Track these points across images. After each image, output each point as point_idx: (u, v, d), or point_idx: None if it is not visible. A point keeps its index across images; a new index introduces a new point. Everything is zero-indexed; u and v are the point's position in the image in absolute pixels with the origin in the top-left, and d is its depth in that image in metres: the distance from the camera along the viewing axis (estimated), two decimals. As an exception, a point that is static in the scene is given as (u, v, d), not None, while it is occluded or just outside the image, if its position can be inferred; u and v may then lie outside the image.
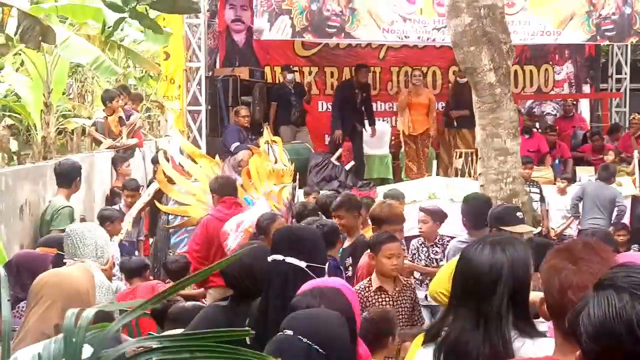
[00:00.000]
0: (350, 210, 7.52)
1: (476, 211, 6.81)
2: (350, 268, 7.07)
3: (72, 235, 5.05)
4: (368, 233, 7.78)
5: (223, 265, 2.23)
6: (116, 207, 10.17)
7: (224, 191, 8.03)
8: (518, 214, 6.18)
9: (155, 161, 11.63)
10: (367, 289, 5.93)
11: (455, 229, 12.42)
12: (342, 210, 7.46)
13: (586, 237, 6.77)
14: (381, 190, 12.64)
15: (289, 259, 3.89)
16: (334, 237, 6.67)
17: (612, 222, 12.34)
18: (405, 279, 6.25)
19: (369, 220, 7.61)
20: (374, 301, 5.80)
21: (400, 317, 5.84)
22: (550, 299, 2.54)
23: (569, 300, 2.38)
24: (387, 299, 5.88)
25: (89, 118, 13.71)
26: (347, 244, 7.28)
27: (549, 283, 2.54)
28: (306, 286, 3.54)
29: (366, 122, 15.16)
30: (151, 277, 8.23)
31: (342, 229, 7.29)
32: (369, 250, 6.22)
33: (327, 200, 8.69)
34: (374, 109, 16.89)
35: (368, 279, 6.06)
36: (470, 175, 13.34)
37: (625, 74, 17.73)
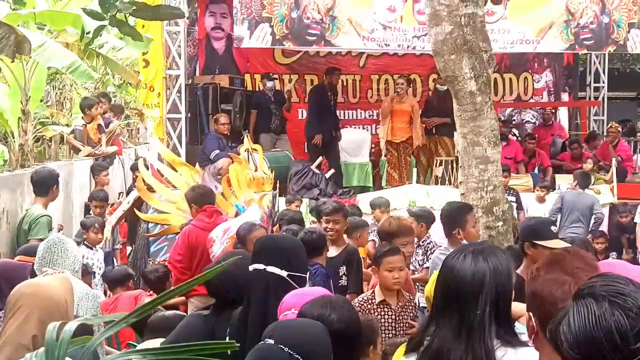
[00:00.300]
0: (344, 217, 7.59)
1: (449, 217, 6.86)
2: (344, 277, 7.09)
3: (58, 244, 4.98)
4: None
5: (208, 277, 2.21)
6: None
7: (203, 201, 7.96)
8: (552, 227, 6.08)
9: (134, 169, 11.58)
10: (369, 301, 5.86)
11: (434, 237, 12.52)
12: (339, 215, 7.49)
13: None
14: (362, 198, 12.66)
15: (270, 268, 3.87)
16: (321, 244, 6.67)
17: (590, 229, 12.42)
18: (407, 293, 6.19)
19: (378, 236, 7.68)
20: (376, 314, 5.72)
21: (402, 332, 5.80)
22: (554, 310, 2.52)
23: None
24: (390, 313, 5.81)
25: (68, 125, 13.66)
26: (334, 252, 7.26)
27: (551, 296, 2.52)
28: (289, 296, 3.52)
29: None
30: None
31: (335, 234, 7.32)
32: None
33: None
34: (354, 117, 16.97)
35: (371, 291, 6.02)
36: (450, 183, 13.36)
37: (603, 82, 17.83)
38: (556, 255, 2.78)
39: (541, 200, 12.95)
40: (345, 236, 7.70)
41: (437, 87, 14.88)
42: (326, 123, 14.75)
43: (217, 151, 13.06)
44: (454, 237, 6.65)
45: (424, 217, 8.55)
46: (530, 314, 2.55)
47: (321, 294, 3.59)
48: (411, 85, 15.29)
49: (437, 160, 14.19)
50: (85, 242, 9.09)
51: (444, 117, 14.18)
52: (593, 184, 13.60)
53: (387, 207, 10.49)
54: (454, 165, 13.17)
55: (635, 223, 12.74)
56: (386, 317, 5.77)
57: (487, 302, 2.84)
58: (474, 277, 2.88)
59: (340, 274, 7.07)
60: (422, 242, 8.25)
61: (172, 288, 2.08)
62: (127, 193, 11.70)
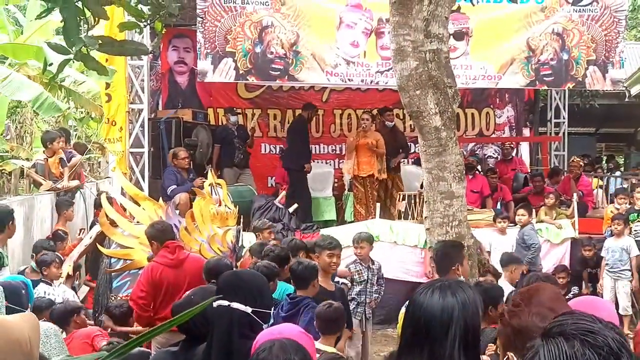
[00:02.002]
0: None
1: (448, 255, 6.81)
2: None
3: None
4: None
5: (186, 318, 2.17)
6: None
7: (164, 237, 7.85)
8: None
9: (98, 205, 11.45)
10: None
11: (398, 272, 12.51)
12: (339, 249, 7.57)
13: (529, 280, 6.80)
14: (325, 232, 12.61)
15: (235, 304, 3.83)
16: (309, 276, 6.72)
17: (553, 264, 12.51)
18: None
19: None
20: None
21: None
22: None
23: None
24: None
25: (28, 159, 13.53)
26: (332, 286, 7.37)
27: (540, 330, 2.49)
28: (265, 335, 3.49)
29: None
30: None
31: (334, 267, 7.54)
32: None
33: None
34: (317, 151, 17.02)
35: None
36: (413, 218, 13.37)
37: (564, 118, 18.02)
38: (532, 290, 2.77)
39: (502, 232, 12.94)
40: None
41: (386, 124, 14.94)
42: (309, 152, 14.87)
43: (174, 186, 12.93)
44: (453, 273, 6.60)
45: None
46: (512, 354, 2.52)
47: (297, 331, 3.56)
48: (375, 120, 15.30)
49: (400, 195, 14.20)
50: (43, 279, 8.89)
51: (395, 152, 14.34)
52: (555, 219, 13.70)
53: (371, 242, 10.20)
54: (417, 200, 13.19)
55: (599, 257, 12.82)
56: None
57: (456, 337, 2.84)
58: (443, 311, 2.87)
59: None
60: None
61: (153, 328, 2.03)
62: (90, 228, 11.57)
